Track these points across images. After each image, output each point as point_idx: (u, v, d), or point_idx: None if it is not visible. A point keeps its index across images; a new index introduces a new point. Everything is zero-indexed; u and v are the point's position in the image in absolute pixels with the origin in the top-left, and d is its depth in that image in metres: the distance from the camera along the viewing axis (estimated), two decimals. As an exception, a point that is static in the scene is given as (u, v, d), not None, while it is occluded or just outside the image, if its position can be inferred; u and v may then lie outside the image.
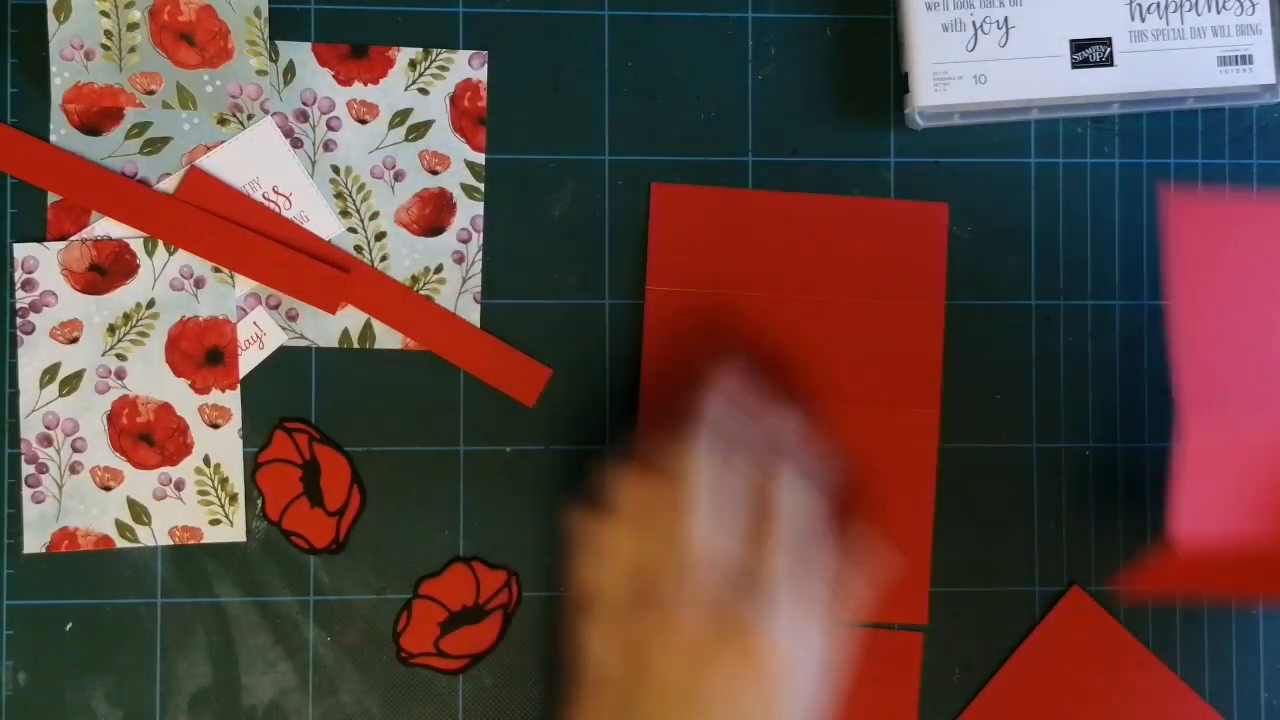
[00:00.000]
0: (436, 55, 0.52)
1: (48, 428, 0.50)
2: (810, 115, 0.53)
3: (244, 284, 0.51)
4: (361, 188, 0.51)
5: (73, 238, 0.50)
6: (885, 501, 0.52)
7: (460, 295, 0.52)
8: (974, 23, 0.50)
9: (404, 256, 0.51)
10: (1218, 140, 0.53)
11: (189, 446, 0.51)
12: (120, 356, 0.51)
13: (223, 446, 0.51)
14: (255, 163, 0.51)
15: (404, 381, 0.51)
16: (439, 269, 0.51)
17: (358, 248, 0.51)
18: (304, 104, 0.51)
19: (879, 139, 0.53)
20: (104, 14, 0.50)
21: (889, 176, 0.53)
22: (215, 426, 0.51)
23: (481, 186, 0.52)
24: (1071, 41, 0.50)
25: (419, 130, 0.52)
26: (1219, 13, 0.51)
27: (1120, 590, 0.52)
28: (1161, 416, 0.53)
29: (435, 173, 0.52)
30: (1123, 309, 0.53)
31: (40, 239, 0.50)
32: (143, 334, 0.51)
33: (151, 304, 0.51)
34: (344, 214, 0.51)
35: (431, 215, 0.52)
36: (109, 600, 0.51)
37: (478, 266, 0.52)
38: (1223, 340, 0.48)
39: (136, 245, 0.51)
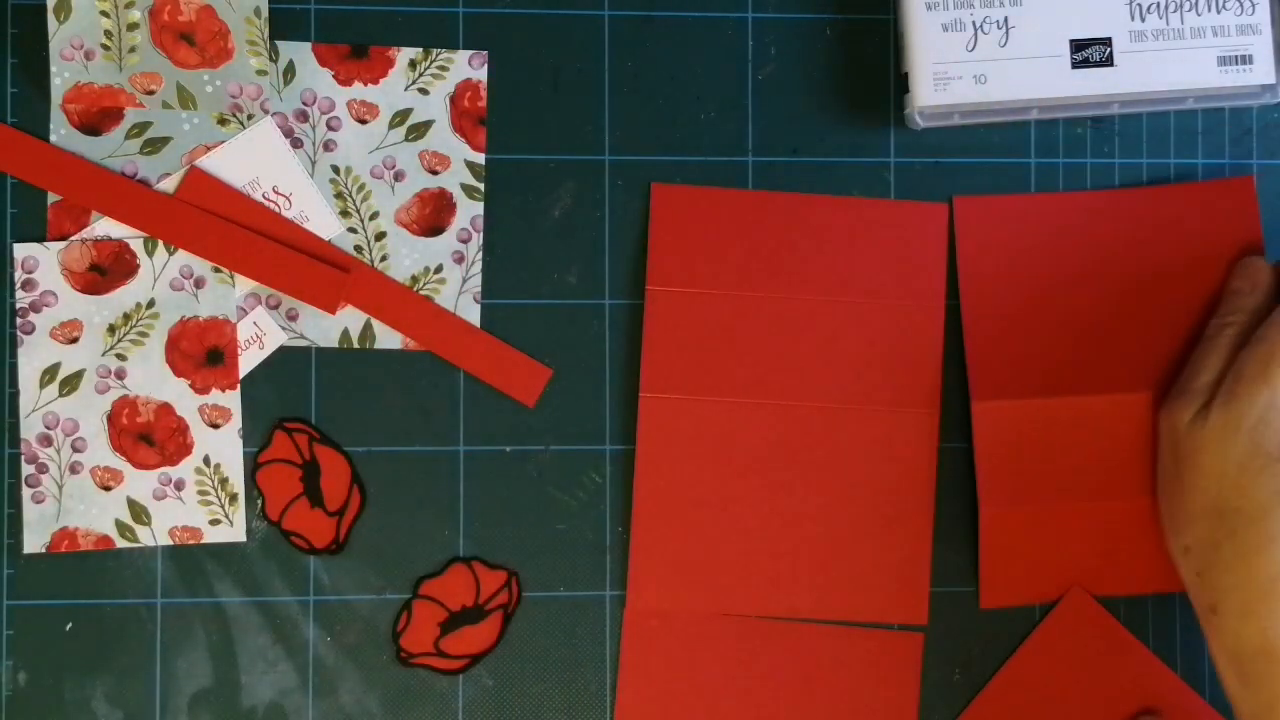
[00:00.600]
0: (436, 55, 0.52)
1: (48, 428, 0.50)
2: (810, 115, 0.53)
3: (244, 284, 0.51)
4: (361, 188, 0.51)
5: (73, 238, 0.50)
6: (885, 501, 0.52)
7: (460, 295, 0.52)
8: (974, 23, 0.50)
9: (404, 256, 0.51)
10: (1218, 140, 0.53)
11: (189, 446, 0.51)
12: (120, 356, 0.51)
13: (223, 446, 0.51)
14: (255, 163, 0.51)
15: (404, 381, 0.51)
16: (439, 269, 0.51)
17: (358, 248, 0.51)
18: (304, 104, 0.51)
19: (879, 139, 0.53)
20: (104, 14, 0.50)
21: (889, 176, 0.52)
22: (215, 426, 0.51)
23: (481, 186, 0.52)
24: (1071, 41, 0.50)
25: (419, 130, 0.52)
26: (1219, 13, 0.51)
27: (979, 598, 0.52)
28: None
29: (435, 173, 0.52)
30: (1123, 309, 0.53)
31: (40, 239, 0.50)
32: (143, 334, 0.51)
33: (151, 304, 0.51)
34: (344, 214, 0.51)
35: (431, 215, 0.52)
36: (109, 600, 0.51)
37: (478, 266, 0.52)
38: (1010, 335, 0.51)
39: (136, 245, 0.51)
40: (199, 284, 0.51)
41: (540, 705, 0.51)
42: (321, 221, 0.51)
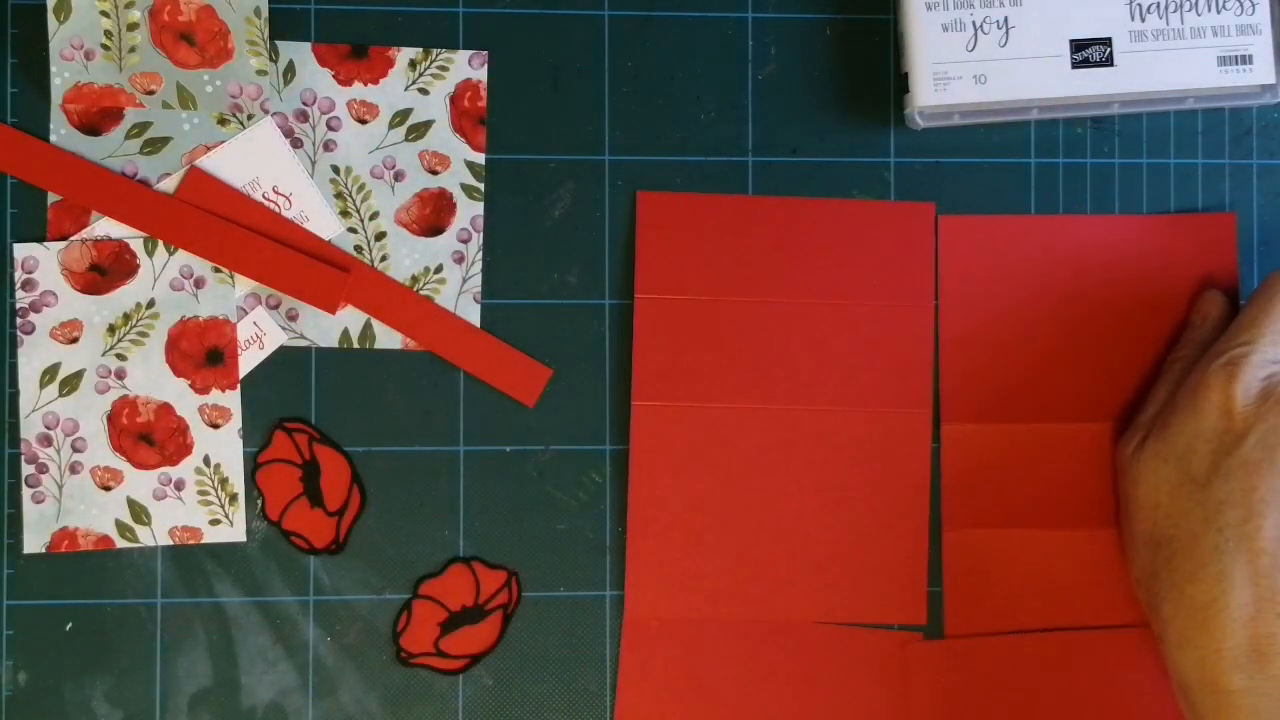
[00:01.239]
0: (436, 55, 0.52)
1: (48, 428, 0.50)
2: (810, 115, 0.53)
3: (244, 284, 0.51)
4: (361, 188, 0.51)
5: (73, 238, 0.50)
6: (881, 501, 0.52)
7: (460, 295, 0.52)
8: (974, 23, 0.50)
9: (404, 256, 0.51)
10: (1218, 140, 0.53)
11: (189, 446, 0.51)
12: (120, 356, 0.51)
13: (223, 446, 0.51)
14: (255, 163, 0.51)
15: (404, 381, 0.51)
16: (439, 269, 0.51)
17: (358, 248, 0.51)
18: (304, 104, 0.51)
19: (879, 139, 0.53)
20: (104, 14, 0.50)
21: (889, 176, 0.53)
22: (215, 426, 0.51)
23: (481, 186, 0.52)
24: (1071, 41, 0.50)
25: (419, 130, 0.52)
26: (1219, 13, 0.51)
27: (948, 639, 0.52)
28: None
29: (435, 173, 0.52)
30: (1123, 309, 0.53)
31: (40, 239, 0.50)
32: (143, 334, 0.51)
33: (151, 304, 0.51)
34: (344, 214, 0.51)
35: (431, 215, 0.52)
36: (109, 600, 0.51)
37: (478, 266, 0.52)
38: (984, 358, 0.52)
39: (136, 245, 0.51)
40: (199, 284, 0.51)
41: (540, 705, 0.51)
42: (321, 221, 0.51)
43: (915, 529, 0.52)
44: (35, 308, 0.50)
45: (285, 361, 0.51)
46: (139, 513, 0.51)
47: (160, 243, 0.51)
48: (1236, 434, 0.45)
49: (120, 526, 0.51)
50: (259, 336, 0.51)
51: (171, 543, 0.51)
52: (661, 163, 0.52)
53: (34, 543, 0.50)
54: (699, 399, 0.51)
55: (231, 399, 0.51)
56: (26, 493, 0.50)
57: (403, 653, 0.51)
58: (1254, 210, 0.53)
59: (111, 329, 0.51)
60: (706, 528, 0.51)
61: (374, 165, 0.51)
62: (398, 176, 0.51)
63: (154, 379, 0.51)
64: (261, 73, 0.51)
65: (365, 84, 0.51)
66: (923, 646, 0.52)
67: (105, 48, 0.50)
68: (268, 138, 0.51)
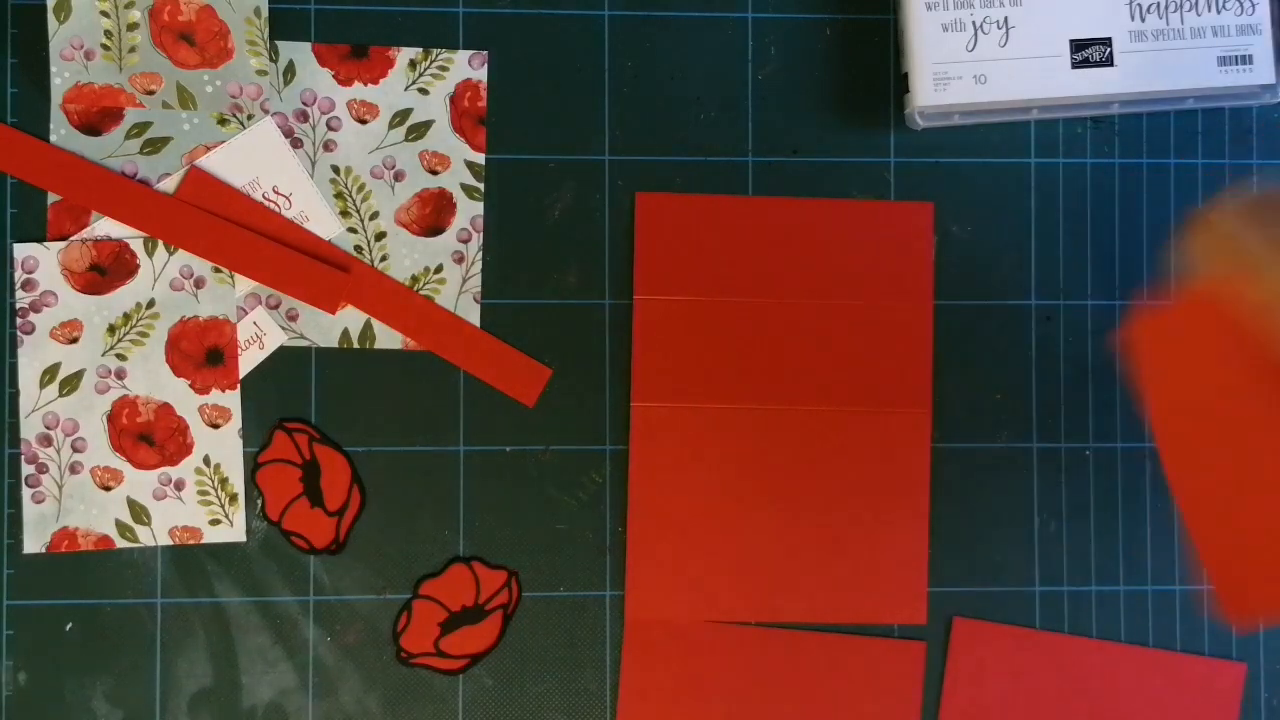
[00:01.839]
0: (436, 55, 0.52)
1: (48, 428, 0.50)
2: (810, 115, 0.53)
3: (244, 284, 0.51)
4: (361, 188, 0.51)
5: (73, 238, 0.50)
6: (880, 502, 0.52)
7: (460, 295, 0.52)
8: (974, 23, 0.50)
9: (404, 256, 0.51)
10: (1218, 140, 0.53)
11: (189, 446, 0.51)
12: (120, 356, 0.51)
13: (223, 446, 0.51)
14: (255, 163, 0.51)
15: (404, 381, 0.51)
16: (439, 269, 0.51)
17: (358, 248, 0.51)
18: (304, 104, 0.51)
19: (879, 139, 0.53)
20: (104, 14, 0.50)
21: (889, 176, 0.53)
22: (215, 426, 0.51)
23: (481, 186, 0.52)
24: (1071, 41, 0.50)
25: (419, 130, 0.52)
26: (1219, 13, 0.51)
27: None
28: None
29: (435, 173, 0.52)
30: (1123, 309, 0.53)
31: (40, 239, 0.50)
32: (143, 334, 0.51)
33: (151, 304, 0.51)
34: (344, 214, 0.51)
35: (431, 215, 0.52)
36: (109, 600, 0.51)
37: (478, 266, 0.52)
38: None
39: (136, 245, 0.51)
40: (199, 284, 0.51)
41: (540, 705, 0.51)
42: (321, 221, 0.51)
43: (913, 529, 0.52)
44: (35, 308, 0.50)
45: (285, 361, 0.51)
46: (139, 513, 0.51)
47: (160, 243, 0.51)
48: None
49: (120, 526, 0.51)
50: (259, 336, 0.51)
51: (171, 543, 0.51)
52: (661, 163, 0.52)
53: (34, 543, 0.50)
54: (698, 399, 0.51)
55: (231, 399, 0.51)
56: (26, 493, 0.50)
57: (403, 653, 0.51)
58: (1254, 210, 0.53)
59: (111, 329, 0.51)
60: (706, 528, 0.51)
61: (374, 165, 0.51)
62: (398, 176, 0.51)
63: (154, 379, 0.51)
64: (261, 73, 0.51)
65: (365, 84, 0.51)
66: (920, 647, 0.52)
67: (105, 48, 0.50)
68: (268, 138, 0.51)
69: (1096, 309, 0.53)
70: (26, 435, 0.50)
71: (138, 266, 0.51)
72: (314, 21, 0.51)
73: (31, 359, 0.50)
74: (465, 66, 0.52)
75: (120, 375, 0.51)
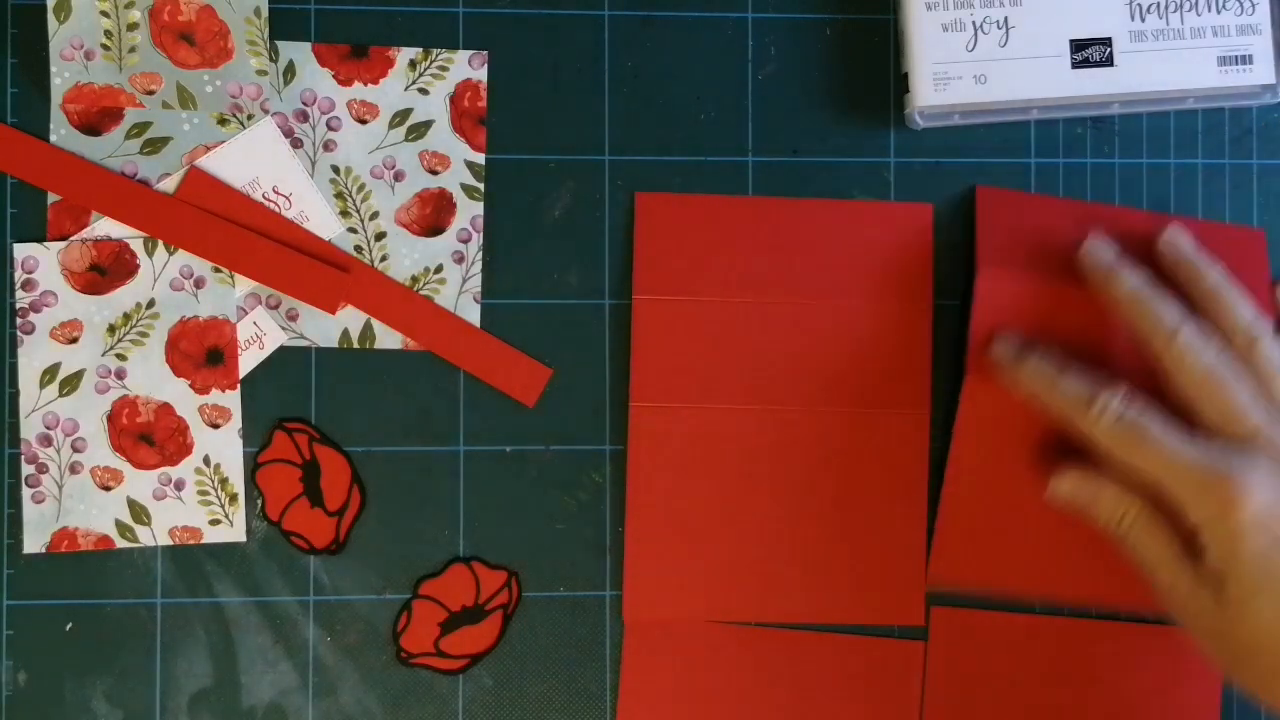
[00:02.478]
0: (436, 55, 0.52)
1: (48, 428, 0.50)
2: (810, 115, 0.53)
3: (244, 284, 0.51)
4: (361, 188, 0.51)
5: (73, 238, 0.50)
6: (879, 502, 0.52)
7: (460, 295, 0.52)
8: (974, 23, 0.50)
9: (404, 256, 0.51)
10: (1218, 140, 0.53)
11: (189, 446, 0.51)
12: (120, 356, 0.51)
13: (223, 446, 0.51)
14: (255, 163, 0.51)
15: (404, 381, 0.51)
16: (439, 269, 0.51)
17: (358, 248, 0.51)
18: (304, 104, 0.51)
19: (879, 139, 0.53)
20: (104, 14, 0.50)
21: (889, 176, 0.53)
22: (215, 426, 0.51)
23: (481, 186, 0.52)
24: (1071, 41, 0.50)
25: (419, 130, 0.52)
26: (1219, 13, 0.51)
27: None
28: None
29: (435, 173, 0.52)
30: (1123, 309, 0.53)
31: (40, 239, 0.51)
32: (143, 334, 0.51)
33: (151, 304, 0.51)
34: (344, 214, 0.51)
35: (431, 215, 0.52)
36: (109, 600, 0.51)
37: (478, 266, 0.52)
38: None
39: (136, 245, 0.51)
40: (199, 284, 0.51)
41: (540, 705, 0.51)
42: (321, 221, 0.51)
43: (912, 530, 0.52)
44: (35, 308, 0.50)
45: (285, 361, 0.51)
46: (139, 513, 0.51)
47: (160, 243, 0.51)
48: None
49: (120, 526, 0.51)
50: (259, 336, 0.51)
51: (171, 543, 0.51)
52: (661, 163, 0.52)
53: (34, 543, 0.50)
54: (697, 400, 0.51)
55: (231, 399, 0.51)
56: (26, 493, 0.50)
57: (403, 653, 0.51)
58: (1254, 210, 0.53)
59: (111, 329, 0.51)
60: (705, 528, 0.51)
61: (374, 165, 0.51)
62: (398, 176, 0.51)
63: (154, 379, 0.51)
64: (261, 73, 0.51)
65: (365, 84, 0.51)
66: (919, 647, 0.52)
67: (105, 48, 0.50)
68: (268, 138, 0.51)
69: (1096, 309, 0.53)
70: (26, 435, 0.50)
71: (138, 266, 0.51)
72: (314, 21, 0.51)
73: (31, 359, 0.50)
74: (465, 66, 0.52)
75: (120, 375, 0.51)
